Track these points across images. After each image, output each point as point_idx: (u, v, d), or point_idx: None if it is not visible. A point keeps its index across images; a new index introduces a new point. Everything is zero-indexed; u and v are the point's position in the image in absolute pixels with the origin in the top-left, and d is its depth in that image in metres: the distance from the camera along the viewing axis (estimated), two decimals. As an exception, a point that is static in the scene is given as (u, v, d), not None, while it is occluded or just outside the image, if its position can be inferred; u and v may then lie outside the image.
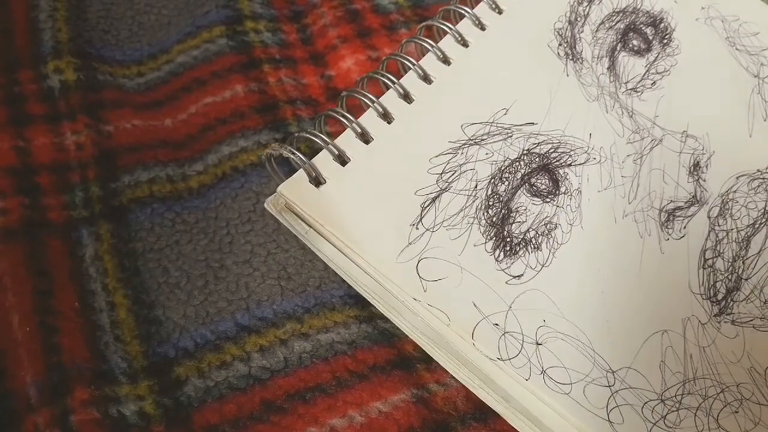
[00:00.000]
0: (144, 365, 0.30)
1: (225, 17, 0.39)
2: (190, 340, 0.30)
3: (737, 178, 0.34)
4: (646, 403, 0.28)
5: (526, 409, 0.28)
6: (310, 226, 0.31)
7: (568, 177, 0.32)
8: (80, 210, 0.33)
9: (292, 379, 0.29)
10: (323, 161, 0.31)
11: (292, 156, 0.30)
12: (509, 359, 0.28)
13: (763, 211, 0.33)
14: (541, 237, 0.31)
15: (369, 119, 0.32)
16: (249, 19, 0.39)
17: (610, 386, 0.28)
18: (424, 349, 0.30)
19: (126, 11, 0.39)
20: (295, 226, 0.31)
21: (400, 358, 0.30)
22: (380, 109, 0.32)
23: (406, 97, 0.33)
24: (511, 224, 0.31)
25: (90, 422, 0.28)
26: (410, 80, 0.34)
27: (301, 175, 0.31)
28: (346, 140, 0.32)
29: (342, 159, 0.31)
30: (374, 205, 0.30)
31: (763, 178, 0.34)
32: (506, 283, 0.29)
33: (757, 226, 0.33)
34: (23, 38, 0.37)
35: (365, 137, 0.32)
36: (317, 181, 0.31)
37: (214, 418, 0.29)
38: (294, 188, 0.30)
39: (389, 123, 0.32)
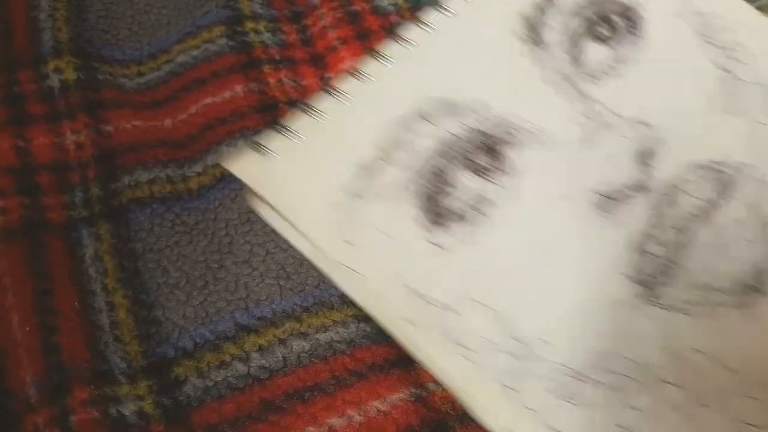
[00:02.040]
0: (143, 365, 0.30)
1: (225, 17, 0.39)
2: (190, 340, 0.30)
3: (686, 166, 0.35)
4: (554, 374, 0.29)
5: (446, 373, 0.29)
6: (262, 201, 0.32)
7: (510, 156, 0.34)
8: (80, 210, 0.33)
9: (290, 378, 0.30)
10: (273, 137, 0.33)
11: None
12: (422, 324, 0.29)
13: (710, 200, 0.34)
14: (473, 211, 0.32)
15: (323, 99, 0.34)
16: (249, 20, 0.39)
17: (520, 357, 0.29)
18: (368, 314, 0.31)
19: (126, 11, 0.39)
20: (257, 209, 0.33)
21: (399, 357, 0.30)
22: (333, 90, 0.34)
23: (363, 77, 0.35)
24: (446, 197, 0.32)
25: (90, 422, 0.28)
26: (369, 63, 0.36)
27: (250, 150, 0.33)
28: (297, 118, 0.34)
29: (292, 134, 0.33)
30: (314, 175, 0.32)
31: (714, 168, 0.35)
32: (433, 253, 0.31)
33: (700, 214, 0.33)
34: (23, 38, 0.37)
35: (318, 113, 0.34)
36: (266, 154, 0.33)
37: (213, 417, 0.29)
38: (243, 163, 0.33)
39: (343, 100, 0.34)
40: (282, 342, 0.30)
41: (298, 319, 0.31)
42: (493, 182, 0.33)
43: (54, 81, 0.35)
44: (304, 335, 0.30)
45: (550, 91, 0.36)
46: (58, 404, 0.28)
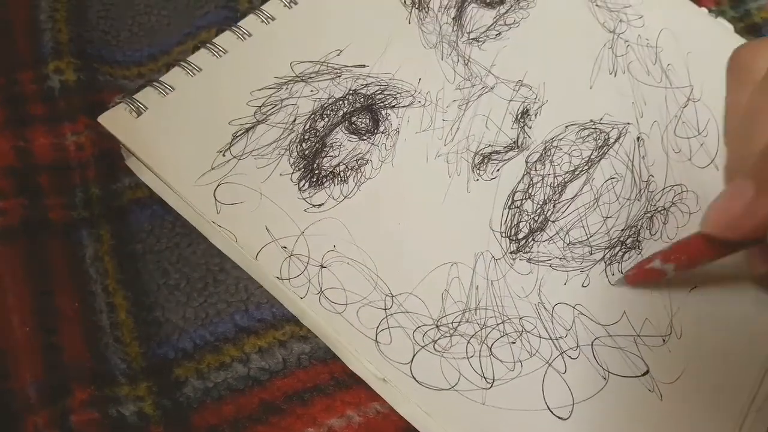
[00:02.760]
0: (143, 366, 0.30)
1: (224, 18, 0.39)
2: (190, 341, 0.30)
3: (566, 126, 0.35)
4: (419, 327, 0.30)
5: (317, 326, 0.30)
6: (132, 154, 0.33)
7: (389, 118, 0.34)
8: (80, 211, 0.33)
9: (290, 380, 0.30)
10: (145, 93, 0.33)
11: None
12: (289, 279, 0.30)
13: (587, 159, 0.35)
14: (350, 171, 0.33)
15: (199, 56, 0.35)
16: (248, 21, 0.39)
17: (386, 309, 0.30)
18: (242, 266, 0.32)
19: (126, 12, 0.39)
20: (138, 173, 0.33)
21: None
22: (211, 46, 0.35)
23: (242, 34, 0.35)
24: (323, 158, 0.33)
25: (89, 422, 0.28)
26: (249, 21, 0.36)
27: (121, 106, 0.33)
28: (173, 75, 0.34)
29: (164, 90, 0.33)
30: (185, 132, 0.33)
31: (595, 128, 0.35)
32: (305, 210, 0.31)
33: (577, 172, 0.34)
34: (23, 39, 0.37)
35: (192, 71, 0.34)
36: (138, 111, 0.33)
37: (212, 418, 0.29)
38: (113, 118, 0.33)
39: (218, 58, 0.35)
40: (282, 344, 0.30)
41: (298, 322, 0.31)
42: (372, 143, 0.34)
43: (54, 82, 0.35)
44: (303, 338, 0.30)
45: (431, 54, 0.37)
46: (58, 405, 0.28)
